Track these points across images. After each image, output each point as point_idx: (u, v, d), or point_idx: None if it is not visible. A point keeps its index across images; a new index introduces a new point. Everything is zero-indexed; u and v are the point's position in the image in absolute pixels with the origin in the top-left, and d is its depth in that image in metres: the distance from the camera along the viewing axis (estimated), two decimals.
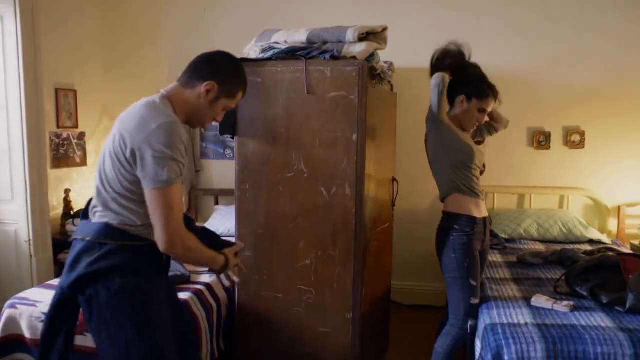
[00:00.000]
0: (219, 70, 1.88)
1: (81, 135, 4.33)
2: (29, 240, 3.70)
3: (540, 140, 4.06)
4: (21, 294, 2.71)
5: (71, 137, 4.21)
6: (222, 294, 2.96)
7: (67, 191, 4.10)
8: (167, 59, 4.53)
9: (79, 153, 4.29)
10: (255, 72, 2.65)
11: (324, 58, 2.60)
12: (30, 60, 3.65)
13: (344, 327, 2.69)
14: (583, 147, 4.01)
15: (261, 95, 2.66)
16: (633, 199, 3.98)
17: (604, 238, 3.75)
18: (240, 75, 1.95)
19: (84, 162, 4.36)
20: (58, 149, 4.07)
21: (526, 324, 2.32)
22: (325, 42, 2.75)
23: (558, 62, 3.98)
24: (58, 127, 4.08)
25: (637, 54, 3.89)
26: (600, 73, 3.95)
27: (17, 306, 2.54)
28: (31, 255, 3.72)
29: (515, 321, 2.35)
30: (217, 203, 4.44)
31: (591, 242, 3.69)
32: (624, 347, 2.13)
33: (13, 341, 2.52)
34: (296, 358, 2.77)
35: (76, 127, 4.28)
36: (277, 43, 2.83)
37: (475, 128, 2.71)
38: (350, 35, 2.67)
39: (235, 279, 2.02)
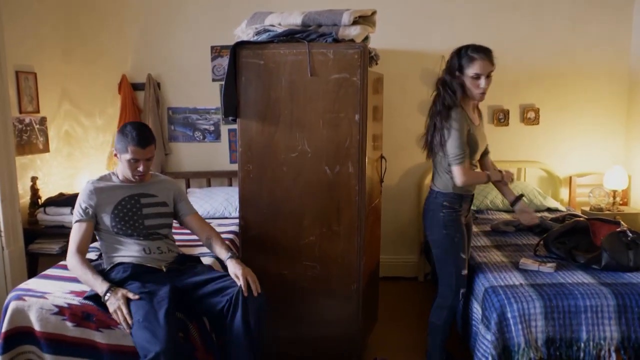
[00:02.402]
0: None
1: (43, 120, 4.13)
2: (0, 231, 3.53)
3: (500, 117, 4.36)
4: (23, 285, 2.61)
5: (33, 122, 4.02)
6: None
7: (33, 179, 3.93)
8: (130, 42, 4.39)
9: (41, 139, 4.11)
10: (257, 55, 2.69)
11: (326, 41, 2.68)
12: None
13: (349, 298, 2.84)
14: (538, 123, 4.35)
15: (263, 78, 2.70)
16: (582, 170, 4.39)
17: (559, 206, 4.11)
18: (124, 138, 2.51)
19: (46, 149, 4.17)
20: (21, 135, 3.88)
21: (521, 284, 2.57)
22: (320, 25, 2.82)
23: (515, 44, 4.27)
24: (20, 112, 3.88)
25: (585, 36, 4.25)
26: (552, 54, 4.28)
27: (25, 298, 2.45)
28: (3, 247, 3.55)
29: (511, 283, 2.59)
30: (188, 186, 4.42)
31: (549, 210, 4.04)
32: (607, 299, 2.43)
33: (21, 333, 2.43)
34: (302, 332, 2.89)
35: (37, 111, 4.08)
36: (272, 26, 2.87)
37: (483, 98, 2.63)
38: (346, 19, 2.75)
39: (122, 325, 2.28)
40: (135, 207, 2.59)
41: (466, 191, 2.69)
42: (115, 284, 2.38)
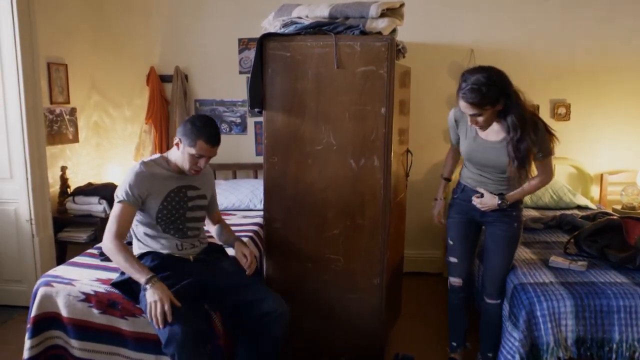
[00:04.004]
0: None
1: (73, 111, 4.20)
2: (31, 219, 3.61)
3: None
4: (51, 272, 2.66)
5: (64, 112, 4.08)
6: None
7: (63, 168, 4.00)
8: (157, 34, 4.43)
9: (71, 129, 4.18)
10: (283, 47, 2.68)
11: (353, 33, 2.64)
12: (26, 33, 3.50)
13: (372, 292, 2.81)
14: (568, 119, 4.24)
15: (290, 70, 2.69)
16: (614, 167, 4.27)
17: (589, 204, 4.01)
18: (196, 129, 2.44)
19: (76, 139, 4.24)
20: (52, 125, 3.95)
21: (551, 282, 2.51)
22: (347, 18, 2.79)
23: (546, 37, 4.17)
24: (51, 102, 3.95)
25: (618, 29, 4.11)
26: (585, 48, 4.16)
27: (53, 284, 2.50)
28: (33, 235, 3.63)
29: (541, 280, 2.54)
30: (214, 178, 4.43)
31: (579, 207, 3.95)
32: None
33: (49, 319, 2.48)
34: (323, 326, 2.88)
35: (68, 102, 4.15)
36: (299, 18, 2.85)
37: (476, 127, 2.48)
38: (373, 11, 2.71)
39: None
40: (183, 201, 2.52)
41: (464, 179, 2.71)
42: None
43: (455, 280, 2.76)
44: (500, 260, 2.65)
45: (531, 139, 2.40)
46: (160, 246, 2.49)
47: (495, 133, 2.50)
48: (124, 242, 2.36)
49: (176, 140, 2.47)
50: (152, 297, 2.19)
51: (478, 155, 2.58)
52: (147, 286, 2.21)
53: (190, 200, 2.55)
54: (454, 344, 2.87)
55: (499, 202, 2.57)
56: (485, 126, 2.46)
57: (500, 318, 2.67)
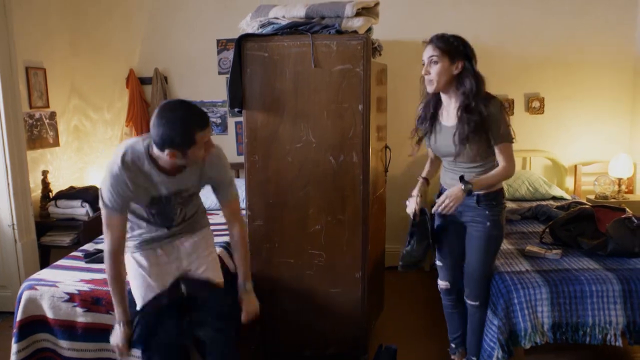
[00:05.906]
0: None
1: (52, 115, 4.20)
2: (13, 224, 3.60)
3: (505, 106, 4.35)
4: (35, 275, 2.68)
5: (43, 117, 4.08)
6: (230, 264, 3.05)
7: (44, 173, 4.00)
8: (136, 37, 4.44)
9: (51, 133, 4.17)
10: (261, 47, 2.72)
11: (329, 32, 2.70)
12: (3, 37, 3.50)
13: (353, 286, 2.87)
14: (542, 113, 4.35)
15: (268, 70, 2.73)
16: (587, 159, 4.38)
17: (565, 194, 4.12)
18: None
19: (56, 143, 4.24)
20: (32, 130, 3.94)
21: (527, 271, 2.60)
22: (323, 17, 2.84)
23: (519, 33, 4.27)
24: (30, 107, 3.94)
25: (588, 25, 4.23)
26: (557, 43, 4.27)
27: (37, 287, 2.52)
28: (15, 240, 3.62)
29: (518, 269, 2.62)
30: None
31: (554, 198, 4.05)
32: (613, 284, 2.45)
33: (35, 322, 2.51)
34: (308, 320, 2.93)
35: (47, 106, 4.15)
36: (276, 18, 2.89)
37: (427, 77, 2.43)
38: (349, 10, 2.77)
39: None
40: (170, 204, 2.24)
41: (443, 181, 2.66)
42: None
43: (442, 284, 2.71)
44: (474, 261, 2.53)
45: (481, 112, 2.35)
46: (146, 230, 2.28)
47: (453, 118, 2.46)
48: (121, 261, 2.16)
49: (167, 154, 2.03)
50: (114, 341, 2.14)
51: (443, 143, 2.50)
52: (116, 326, 2.15)
53: (178, 205, 2.29)
54: (453, 345, 2.82)
55: (462, 186, 2.34)
56: (435, 79, 2.36)
57: (480, 322, 2.61)
